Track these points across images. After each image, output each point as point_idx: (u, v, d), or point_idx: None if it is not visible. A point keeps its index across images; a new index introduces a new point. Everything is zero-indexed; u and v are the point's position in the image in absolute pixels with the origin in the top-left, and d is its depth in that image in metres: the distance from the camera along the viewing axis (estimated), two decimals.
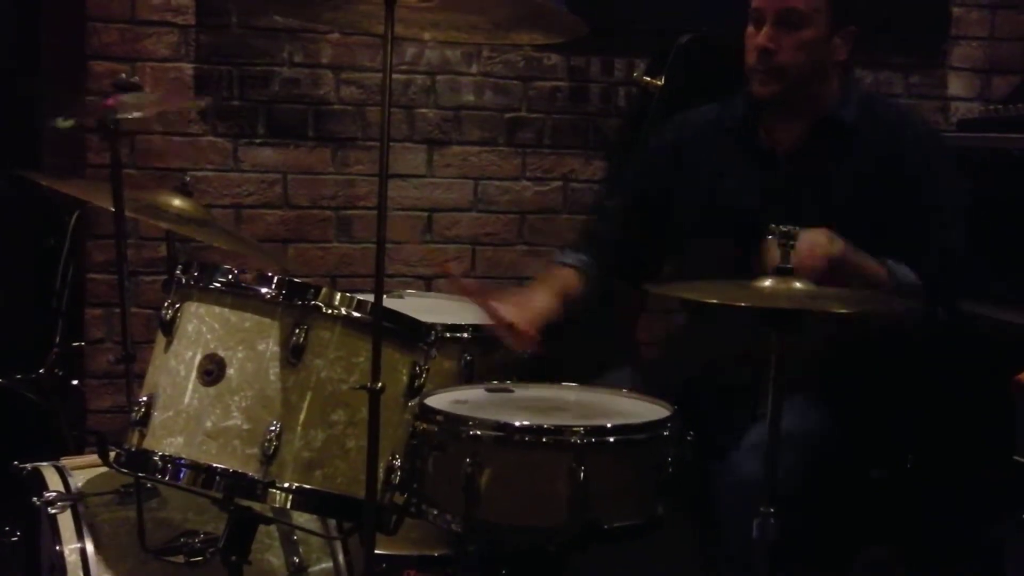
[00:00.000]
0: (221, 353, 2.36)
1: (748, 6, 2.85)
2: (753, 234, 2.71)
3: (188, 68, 3.91)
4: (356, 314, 2.38)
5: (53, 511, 2.60)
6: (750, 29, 2.83)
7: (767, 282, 2.27)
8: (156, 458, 2.36)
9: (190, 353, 2.38)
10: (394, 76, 3.91)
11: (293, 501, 2.34)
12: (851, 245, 2.64)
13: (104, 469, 2.58)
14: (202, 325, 2.39)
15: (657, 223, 3.03)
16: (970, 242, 2.81)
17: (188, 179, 2.89)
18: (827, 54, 2.82)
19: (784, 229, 2.27)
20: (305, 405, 2.35)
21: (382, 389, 2.24)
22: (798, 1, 2.76)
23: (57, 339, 3.67)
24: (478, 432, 2.33)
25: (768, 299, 2.24)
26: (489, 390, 2.66)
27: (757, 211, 2.81)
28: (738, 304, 2.24)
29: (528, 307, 2.85)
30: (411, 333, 2.47)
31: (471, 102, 4.13)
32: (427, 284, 4.15)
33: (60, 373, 3.49)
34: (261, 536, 2.58)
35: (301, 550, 2.72)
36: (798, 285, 2.26)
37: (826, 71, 2.85)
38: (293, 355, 2.34)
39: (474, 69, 4.13)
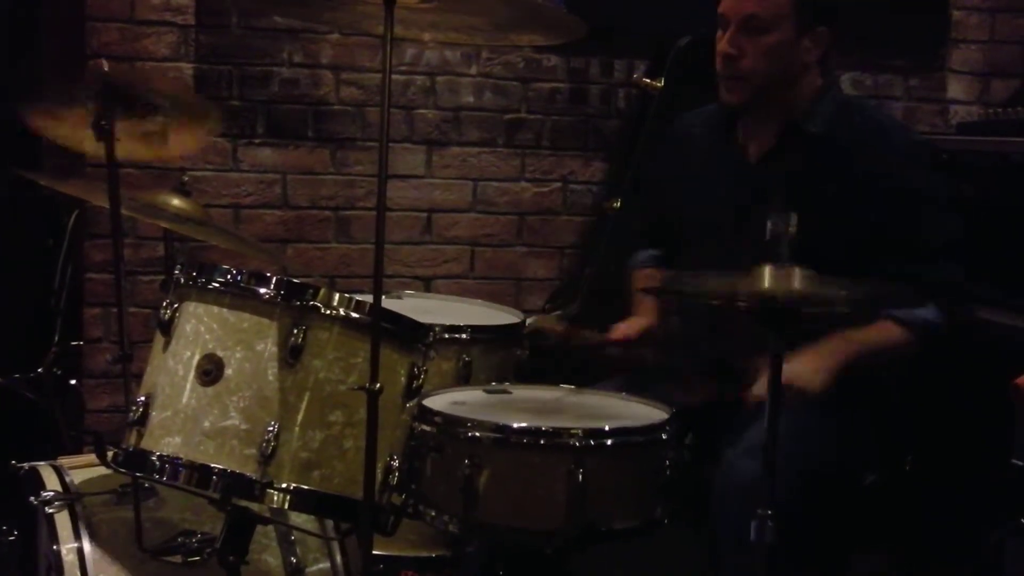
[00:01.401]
0: (219, 353, 2.36)
1: None
2: (729, 235, 2.77)
3: (188, 68, 3.91)
4: (355, 315, 2.38)
5: (51, 510, 2.60)
6: (719, 34, 2.80)
7: (764, 281, 2.24)
8: (154, 458, 2.36)
9: (188, 353, 2.38)
10: (393, 77, 3.91)
11: (291, 501, 2.34)
12: (841, 342, 2.65)
13: (102, 469, 2.58)
14: (200, 325, 2.39)
15: (666, 223, 3.08)
16: (957, 241, 2.78)
17: (187, 179, 2.89)
18: (795, 57, 2.77)
19: (780, 216, 2.22)
20: (303, 405, 2.35)
21: (380, 390, 2.24)
22: (758, 7, 2.73)
23: (55, 338, 3.67)
24: (476, 434, 2.33)
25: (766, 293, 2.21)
26: (487, 391, 2.66)
27: (732, 214, 2.82)
28: (737, 303, 2.23)
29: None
30: (410, 334, 2.47)
31: (470, 103, 4.13)
32: (426, 285, 4.15)
33: (58, 372, 3.49)
34: (258, 536, 2.58)
35: (298, 550, 2.71)
36: (795, 284, 2.23)
37: (796, 74, 2.80)
38: (291, 355, 2.34)
39: (473, 70, 4.13)
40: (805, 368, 2.56)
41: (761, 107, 2.82)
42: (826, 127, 2.78)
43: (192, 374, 2.37)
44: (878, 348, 2.68)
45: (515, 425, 2.33)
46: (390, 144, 2.28)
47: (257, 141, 4.00)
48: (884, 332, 2.69)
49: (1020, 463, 2.59)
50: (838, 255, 2.64)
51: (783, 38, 2.75)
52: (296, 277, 2.54)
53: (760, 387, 2.32)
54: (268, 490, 2.32)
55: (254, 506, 2.45)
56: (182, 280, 2.44)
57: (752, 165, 2.87)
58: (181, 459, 2.34)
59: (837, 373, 2.60)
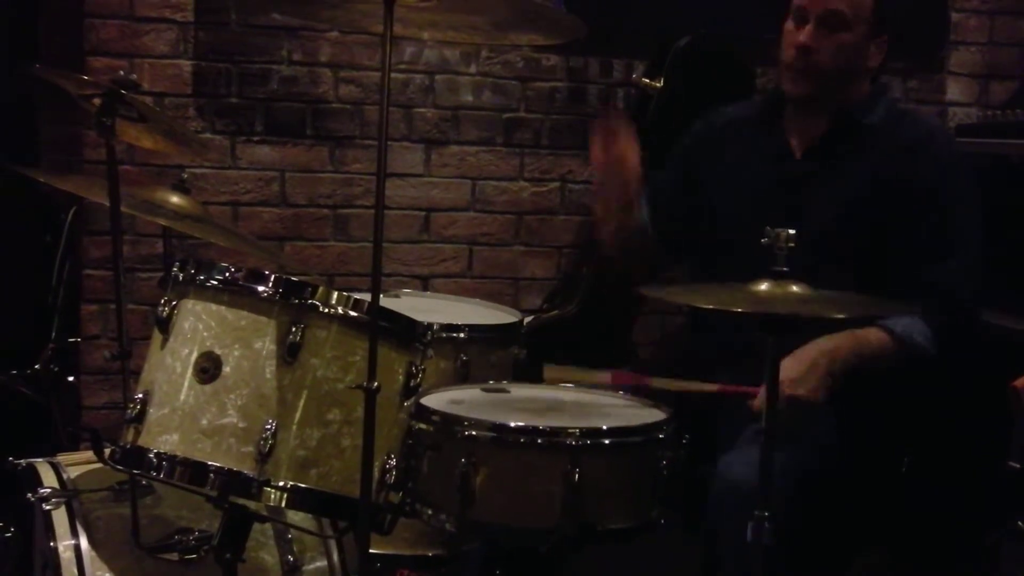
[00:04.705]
0: (217, 351, 2.36)
1: (764, 6, 2.86)
2: (763, 227, 2.74)
3: (186, 65, 3.91)
4: (353, 313, 2.38)
5: (48, 507, 2.60)
6: (789, 25, 2.83)
7: (763, 286, 2.26)
8: (151, 455, 2.35)
9: (186, 350, 2.38)
10: (392, 75, 3.91)
11: (288, 500, 2.34)
12: (832, 344, 2.63)
13: (99, 466, 2.58)
14: (198, 323, 2.39)
15: (693, 206, 3.04)
16: (985, 258, 2.78)
17: (185, 176, 2.88)
18: (861, 59, 2.83)
19: (778, 232, 2.25)
20: (301, 404, 2.35)
21: (378, 388, 2.24)
22: (844, 4, 2.77)
23: (53, 335, 3.67)
24: (474, 432, 2.32)
25: (764, 304, 2.23)
26: (485, 390, 2.65)
27: (769, 205, 2.82)
28: (734, 310, 2.23)
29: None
30: (407, 332, 2.47)
31: (469, 102, 4.13)
32: (424, 284, 4.15)
33: (56, 369, 3.49)
34: (255, 534, 2.58)
35: (295, 548, 2.71)
36: (794, 289, 2.24)
37: (858, 76, 2.85)
38: (289, 354, 2.34)
39: (473, 69, 4.13)
40: (801, 377, 2.56)
41: (818, 102, 2.85)
42: (881, 122, 2.84)
43: (190, 372, 2.36)
44: (868, 353, 2.69)
45: (512, 424, 2.33)
46: (389, 143, 2.27)
47: (256, 139, 4.00)
48: (873, 337, 2.69)
49: (1017, 465, 2.59)
50: (867, 246, 2.71)
51: (857, 39, 2.80)
52: (294, 275, 2.53)
53: (762, 399, 2.32)
54: (265, 488, 2.31)
55: (251, 504, 2.45)
56: (180, 277, 2.44)
57: (796, 159, 2.88)
58: (178, 456, 2.33)
59: (833, 378, 2.61)
